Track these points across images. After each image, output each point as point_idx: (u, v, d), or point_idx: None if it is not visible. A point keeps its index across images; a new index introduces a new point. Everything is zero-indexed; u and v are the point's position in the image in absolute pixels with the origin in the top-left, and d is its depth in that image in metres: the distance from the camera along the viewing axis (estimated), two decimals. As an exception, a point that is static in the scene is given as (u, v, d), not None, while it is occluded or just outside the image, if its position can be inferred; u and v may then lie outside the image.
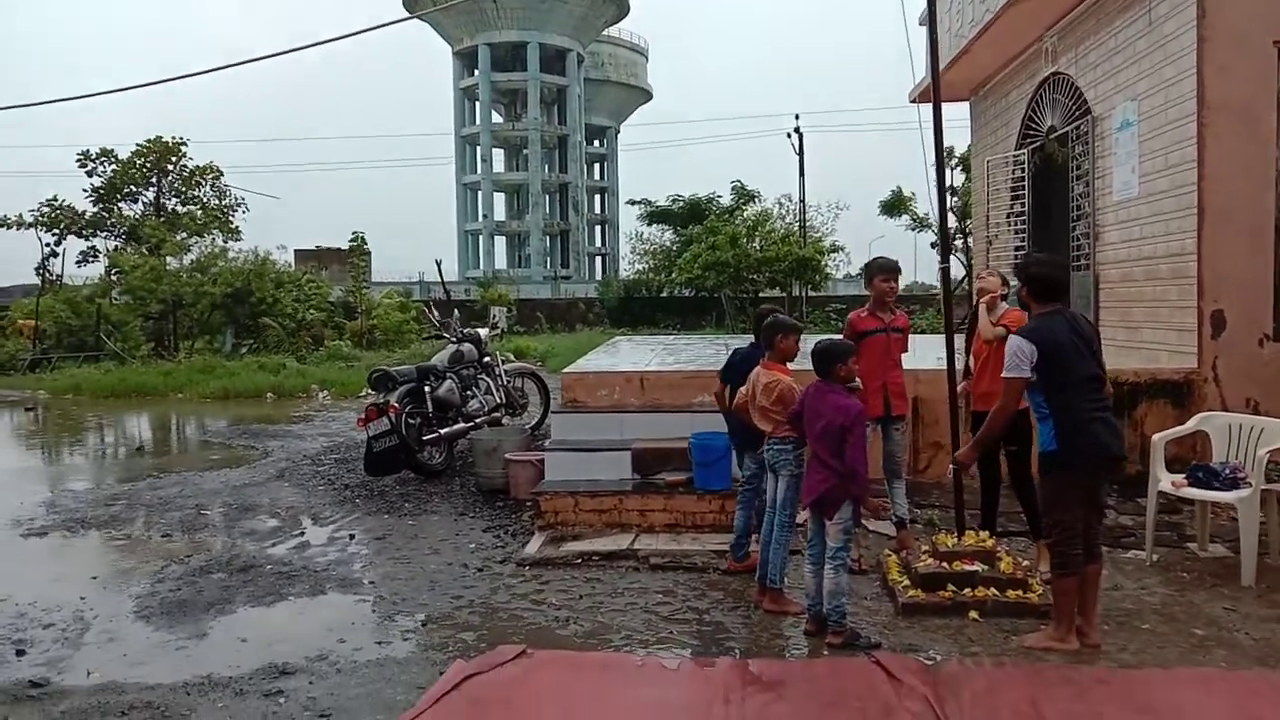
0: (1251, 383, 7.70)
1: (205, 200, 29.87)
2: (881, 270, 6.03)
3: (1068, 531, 4.52)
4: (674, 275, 34.58)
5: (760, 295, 32.45)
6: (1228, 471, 5.72)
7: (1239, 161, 7.73)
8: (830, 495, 4.69)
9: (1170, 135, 8.17)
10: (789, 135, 38.14)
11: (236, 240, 27.68)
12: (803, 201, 36.18)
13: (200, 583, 5.92)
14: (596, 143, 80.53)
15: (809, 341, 5.52)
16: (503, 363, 10.88)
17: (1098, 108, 9.72)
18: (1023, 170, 12.01)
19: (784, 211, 35.85)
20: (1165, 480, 5.86)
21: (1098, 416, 4.52)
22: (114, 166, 29.15)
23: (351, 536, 7.06)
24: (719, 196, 38.49)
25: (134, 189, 29.56)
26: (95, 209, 29.62)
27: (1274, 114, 7.79)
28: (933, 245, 6.93)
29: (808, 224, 35.49)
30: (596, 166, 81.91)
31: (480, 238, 70.21)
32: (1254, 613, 4.99)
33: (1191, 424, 6.30)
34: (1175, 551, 6.07)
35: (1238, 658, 4.45)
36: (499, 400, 10.15)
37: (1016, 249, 11.84)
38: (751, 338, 6.00)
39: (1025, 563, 5.43)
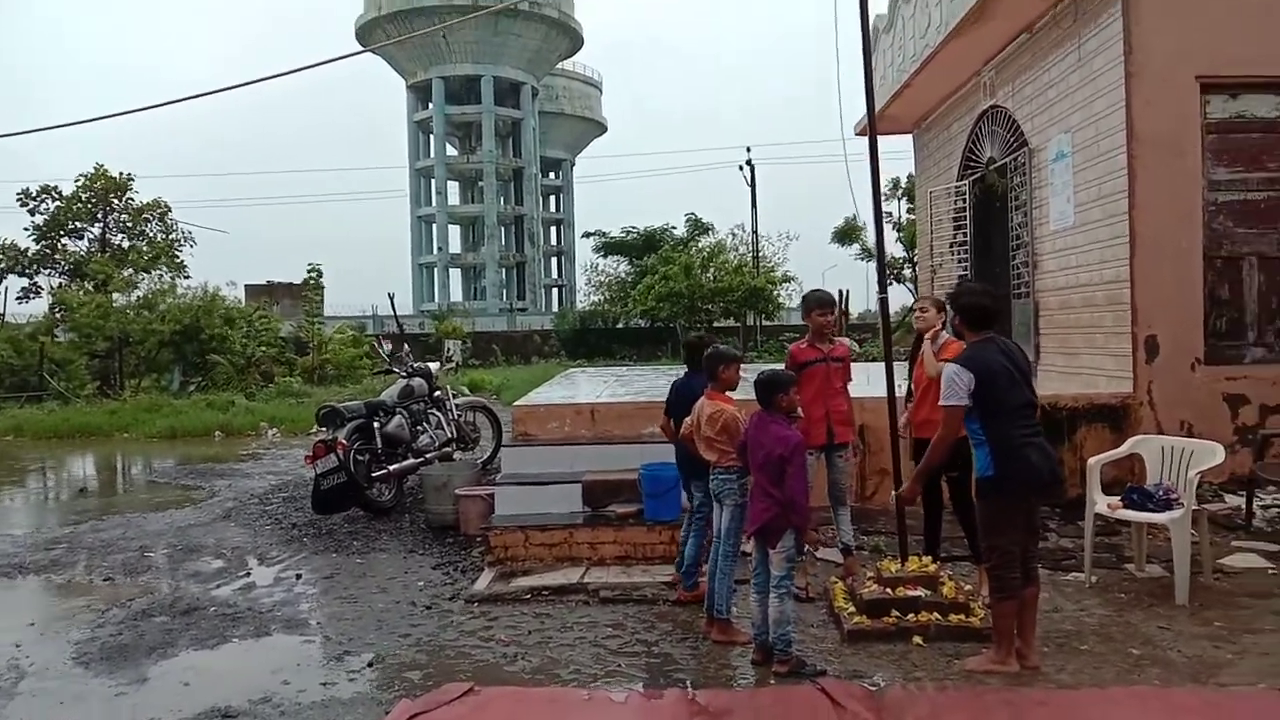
0: (1185, 406, 7.93)
1: (153, 236, 29.47)
2: (819, 304, 6.16)
3: (1005, 556, 4.61)
4: (629, 306, 34.76)
5: (714, 325, 32.71)
6: (1161, 493, 5.86)
7: (1167, 192, 8.01)
8: (773, 524, 4.74)
9: (1102, 166, 8.45)
10: (741, 168, 38.64)
11: (184, 277, 27.34)
12: (755, 233, 36.66)
13: (142, 626, 5.82)
14: (552, 175, 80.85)
15: (763, 369, 5.60)
16: (454, 396, 10.84)
17: (1034, 140, 10.01)
18: (964, 200, 12.30)
19: (737, 242, 36.31)
20: (1102, 502, 6.00)
21: (1031, 442, 4.62)
22: (58, 203, 28.70)
23: (298, 576, 6.97)
24: (673, 228, 38.88)
25: (79, 225, 29.13)
26: (38, 246, 29.11)
27: (1199, 146, 8.11)
28: (877, 272, 7.09)
29: (760, 254, 35.90)
30: (552, 198, 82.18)
31: (435, 270, 69.97)
32: (1187, 631, 5.11)
33: (1126, 447, 6.46)
34: (1113, 573, 6.20)
35: (1171, 675, 4.55)
36: (450, 435, 10.11)
37: (960, 277, 12.10)
38: (685, 368, 6.11)
39: (967, 587, 5.52)
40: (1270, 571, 6.12)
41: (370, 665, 5.06)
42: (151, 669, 5.12)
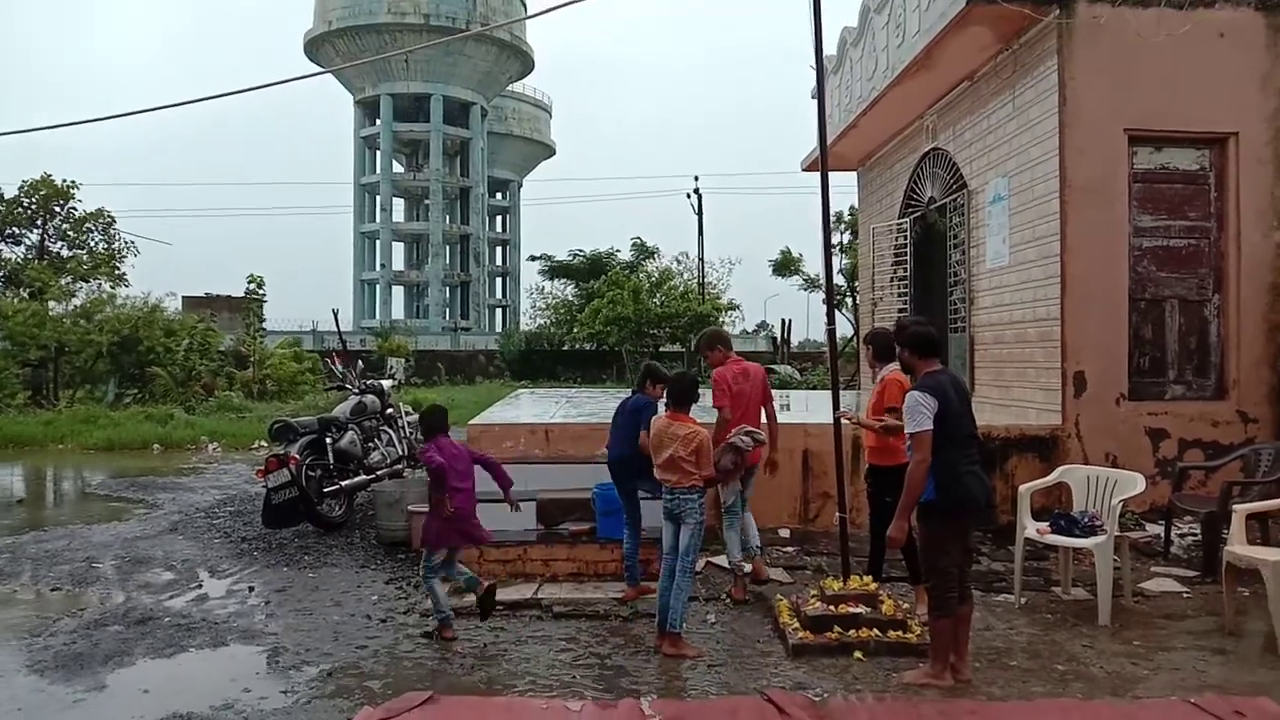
0: (1110, 438, 8.37)
1: (94, 246, 28.84)
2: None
3: (945, 576, 4.89)
4: (575, 329, 34.91)
5: (660, 350, 33.04)
6: (1086, 520, 6.22)
7: (1097, 236, 8.48)
8: None
9: (1037, 210, 8.90)
10: (688, 196, 39.16)
11: (124, 286, 26.84)
12: (701, 260, 37.13)
13: (96, 635, 5.83)
14: (499, 195, 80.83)
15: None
16: (405, 415, 10.93)
17: (973, 182, 10.48)
18: (905, 237, 12.77)
19: (682, 269, 36.77)
20: (1031, 528, 6.34)
21: (972, 470, 4.90)
22: (-3, 206, 28.02)
23: (251, 589, 7.01)
24: (618, 251, 39.18)
25: (17, 230, 28.42)
26: (-29, 249, 28.39)
27: (1126, 194, 8.61)
28: (824, 302, 7.39)
29: (705, 281, 36.40)
30: (499, 219, 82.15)
31: (377, 287, 69.30)
32: (1108, 649, 5.45)
33: (1054, 476, 6.84)
34: (1041, 595, 6.55)
35: (1092, 690, 4.87)
36: (401, 452, 10.19)
37: (900, 311, 12.53)
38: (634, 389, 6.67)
39: (905, 605, 5.81)
40: (1185, 595, 6.52)
41: (330, 674, 5.16)
42: (109, 677, 5.16)
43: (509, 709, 4.69)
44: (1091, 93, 8.47)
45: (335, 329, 12.85)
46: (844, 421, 6.27)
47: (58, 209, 28.36)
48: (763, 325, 48.44)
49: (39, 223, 28.45)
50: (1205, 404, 8.70)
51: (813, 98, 6.93)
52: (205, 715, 4.54)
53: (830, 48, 13.25)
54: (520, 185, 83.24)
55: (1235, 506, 6.07)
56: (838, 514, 6.19)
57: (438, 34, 55.01)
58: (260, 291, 26.34)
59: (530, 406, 11.57)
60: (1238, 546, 5.73)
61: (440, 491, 5.78)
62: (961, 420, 4.87)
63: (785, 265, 32.69)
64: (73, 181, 28.41)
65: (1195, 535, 7.61)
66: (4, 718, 4.57)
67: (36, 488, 13.16)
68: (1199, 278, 8.83)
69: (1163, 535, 7.59)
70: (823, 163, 6.33)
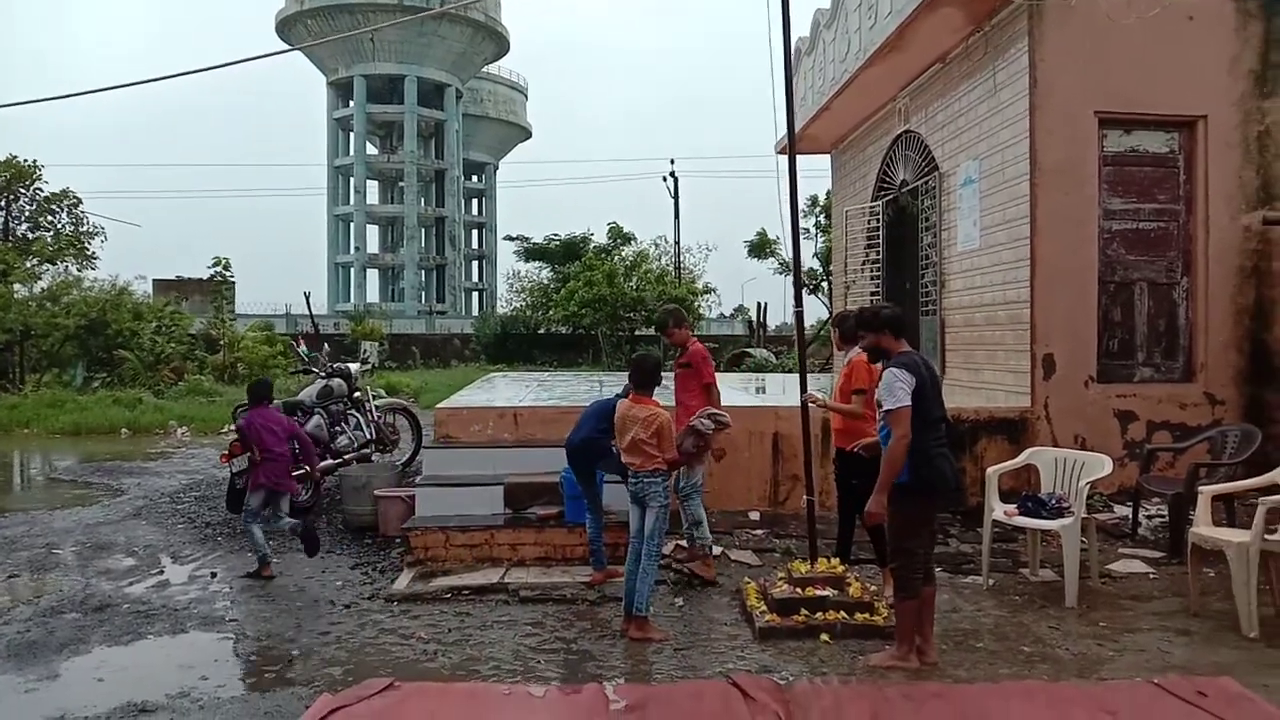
0: (1079, 420, 8.40)
1: (60, 227, 28.30)
2: None
3: (911, 558, 4.87)
4: (551, 312, 34.75)
5: (635, 334, 32.96)
6: (1054, 502, 6.23)
7: (1067, 219, 8.48)
8: None
9: (1007, 193, 8.88)
10: (664, 179, 39.01)
11: (91, 269, 26.39)
12: (678, 244, 37.01)
13: (52, 623, 5.72)
14: (475, 178, 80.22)
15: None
16: (374, 398, 10.80)
17: (945, 165, 10.45)
18: (878, 220, 12.73)
19: (659, 253, 36.66)
20: (999, 510, 6.34)
21: (941, 452, 4.88)
22: (-44, 188, 27.45)
23: (213, 575, 6.91)
24: (592, 235, 39.00)
25: (-21, 212, 27.92)
26: (-67, 232, 27.81)
27: (1096, 177, 8.60)
28: (794, 284, 7.35)
29: (681, 264, 36.32)
30: (474, 201, 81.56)
31: (351, 270, 68.75)
32: (1074, 630, 5.46)
33: (1022, 458, 6.84)
34: (1009, 576, 6.56)
35: (1058, 671, 4.87)
36: (369, 436, 10.07)
37: (872, 294, 12.52)
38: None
39: (873, 587, 5.79)
40: (1151, 576, 6.55)
41: (290, 661, 5.09)
42: (63, 665, 5.07)
43: (471, 695, 4.63)
44: (1062, 75, 8.44)
45: (308, 312, 12.64)
46: (811, 405, 6.23)
47: (22, 190, 27.82)
48: (740, 310, 48.36)
49: (2, 204, 27.90)
50: (1173, 386, 8.74)
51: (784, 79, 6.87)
52: (161, 704, 4.46)
53: (804, 29, 13.18)
54: (496, 168, 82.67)
55: (1201, 488, 6.09)
56: (806, 497, 6.16)
57: (410, 15, 54.39)
58: (227, 273, 25.85)
59: (502, 390, 11.49)
60: (1203, 528, 5.75)
61: (247, 449, 6.97)
62: (934, 402, 4.85)
63: (761, 247, 32.60)
64: (35, 162, 27.89)
65: (1162, 517, 7.65)
66: (-48, 708, 4.47)
67: (-1, 473, 12.96)
68: (1168, 261, 8.86)
69: (1130, 517, 7.63)
70: (790, 144, 6.27)
